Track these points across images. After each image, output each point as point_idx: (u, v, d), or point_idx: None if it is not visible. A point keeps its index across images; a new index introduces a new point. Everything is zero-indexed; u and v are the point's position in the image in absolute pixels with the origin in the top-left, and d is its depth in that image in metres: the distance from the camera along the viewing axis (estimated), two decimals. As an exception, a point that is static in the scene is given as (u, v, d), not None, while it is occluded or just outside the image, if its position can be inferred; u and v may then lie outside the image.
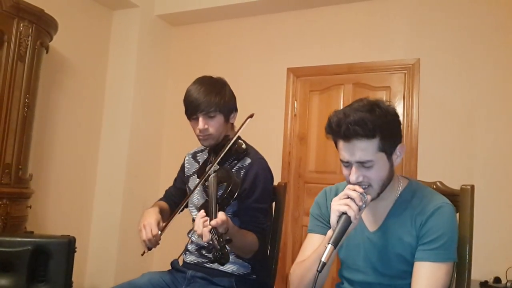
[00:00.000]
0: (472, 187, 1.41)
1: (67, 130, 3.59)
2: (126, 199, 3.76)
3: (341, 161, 1.28)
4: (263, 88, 3.83)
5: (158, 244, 1.58)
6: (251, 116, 1.59)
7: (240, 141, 1.68)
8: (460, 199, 1.41)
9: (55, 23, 3.00)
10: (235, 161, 1.68)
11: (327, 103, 3.57)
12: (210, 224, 1.32)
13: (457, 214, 1.40)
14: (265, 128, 3.68)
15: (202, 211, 1.39)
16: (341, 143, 1.25)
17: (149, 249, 1.58)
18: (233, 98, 1.75)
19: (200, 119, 1.65)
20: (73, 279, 2.06)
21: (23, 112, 2.75)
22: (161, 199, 1.93)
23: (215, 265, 1.66)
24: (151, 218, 1.60)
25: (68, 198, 3.61)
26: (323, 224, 1.43)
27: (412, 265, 1.26)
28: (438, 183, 1.50)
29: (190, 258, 1.74)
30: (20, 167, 2.74)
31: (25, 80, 2.76)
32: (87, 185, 3.81)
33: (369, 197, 1.23)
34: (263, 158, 1.74)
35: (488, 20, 3.11)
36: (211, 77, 1.73)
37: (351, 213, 1.18)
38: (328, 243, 1.16)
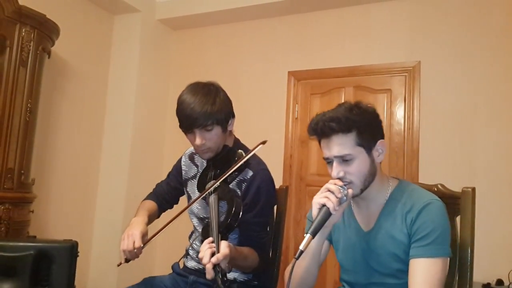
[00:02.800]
0: (473, 189, 1.41)
1: (69, 135, 3.60)
2: (128, 203, 3.76)
3: (324, 159, 1.33)
4: (264, 92, 3.84)
5: (138, 257, 1.50)
6: (263, 142, 1.46)
7: (240, 151, 1.59)
8: (461, 202, 1.41)
9: (57, 28, 3.01)
10: (236, 173, 1.56)
11: (328, 106, 3.51)
12: (211, 261, 1.24)
13: (459, 217, 1.41)
14: (266, 131, 3.69)
15: (210, 238, 1.31)
16: (321, 142, 1.33)
17: (127, 260, 1.51)
18: (229, 104, 1.63)
19: (197, 134, 1.55)
20: (76, 283, 2.06)
21: (25, 117, 2.76)
22: (150, 196, 1.86)
23: None
24: (136, 229, 1.52)
25: (71, 203, 3.62)
26: None
27: (406, 264, 1.27)
28: (439, 186, 1.50)
29: (191, 264, 1.73)
30: (22, 171, 2.74)
31: (27, 85, 2.77)
32: (89, 190, 3.82)
33: (350, 191, 1.26)
34: (266, 168, 1.67)
35: (488, 23, 3.11)
36: (204, 85, 1.60)
37: (330, 205, 1.21)
38: (307, 233, 1.20)
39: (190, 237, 1.80)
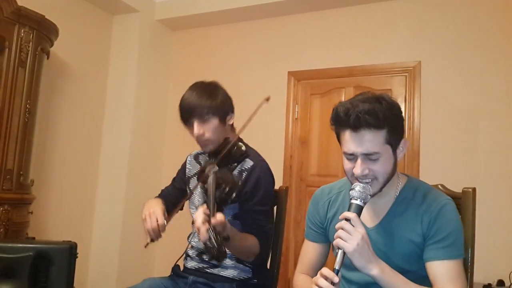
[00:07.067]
0: (474, 189, 1.40)
1: (68, 136, 3.59)
2: (128, 204, 3.76)
3: (345, 153, 1.24)
4: (264, 92, 3.80)
5: (161, 236, 1.55)
6: (267, 99, 1.51)
7: (240, 143, 1.67)
8: (462, 202, 1.40)
9: (55, 28, 3.01)
10: (235, 164, 1.66)
11: (328, 107, 3.55)
12: (208, 223, 1.30)
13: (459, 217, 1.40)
14: (266, 131, 3.68)
15: (205, 205, 1.37)
16: (347, 134, 1.22)
17: (152, 240, 1.56)
18: (227, 99, 1.73)
19: (195, 124, 1.65)
20: (75, 285, 2.05)
21: (24, 118, 2.75)
22: (156, 197, 1.89)
23: (216, 270, 1.66)
24: (156, 207, 1.58)
25: (70, 204, 3.61)
26: (316, 232, 1.43)
27: (412, 263, 1.25)
28: (439, 186, 1.49)
29: (191, 264, 1.73)
30: (21, 173, 2.74)
31: (26, 85, 2.76)
32: (88, 191, 3.81)
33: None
34: (264, 160, 1.74)
35: (488, 22, 3.11)
36: (203, 82, 1.73)
37: None
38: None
39: (189, 237, 1.80)
